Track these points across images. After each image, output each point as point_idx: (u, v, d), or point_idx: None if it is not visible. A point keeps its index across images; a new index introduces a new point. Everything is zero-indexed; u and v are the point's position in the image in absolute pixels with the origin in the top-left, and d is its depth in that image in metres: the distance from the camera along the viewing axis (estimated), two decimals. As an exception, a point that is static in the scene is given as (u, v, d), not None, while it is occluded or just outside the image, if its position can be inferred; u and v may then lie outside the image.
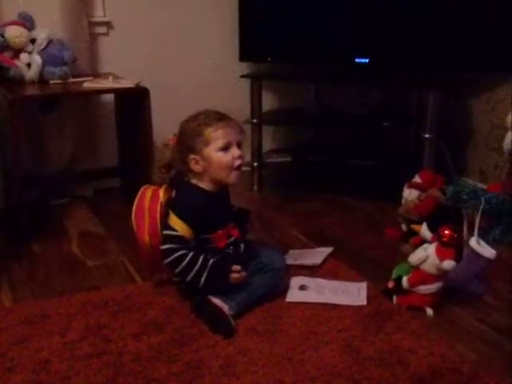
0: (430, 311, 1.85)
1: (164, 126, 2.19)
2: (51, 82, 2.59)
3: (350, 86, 3.17)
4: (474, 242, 1.76)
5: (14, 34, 2.55)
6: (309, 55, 2.87)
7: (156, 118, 2.57)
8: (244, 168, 1.93)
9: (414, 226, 2.25)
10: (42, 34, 2.61)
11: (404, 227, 2.37)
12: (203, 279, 1.79)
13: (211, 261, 1.81)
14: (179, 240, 1.80)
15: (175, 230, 1.80)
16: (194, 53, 3.06)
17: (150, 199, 1.89)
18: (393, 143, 3.01)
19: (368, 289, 1.95)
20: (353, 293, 1.94)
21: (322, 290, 1.96)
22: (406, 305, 1.86)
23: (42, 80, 2.61)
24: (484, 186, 2.12)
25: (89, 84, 2.57)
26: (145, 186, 1.95)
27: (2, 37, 2.53)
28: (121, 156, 2.99)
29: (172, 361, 1.60)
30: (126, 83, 2.59)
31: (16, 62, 2.57)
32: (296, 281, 2.01)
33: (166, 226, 1.83)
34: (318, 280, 2.03)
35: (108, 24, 2.89)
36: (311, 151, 3.22)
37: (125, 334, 1.72)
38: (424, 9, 2.63)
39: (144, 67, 2.85)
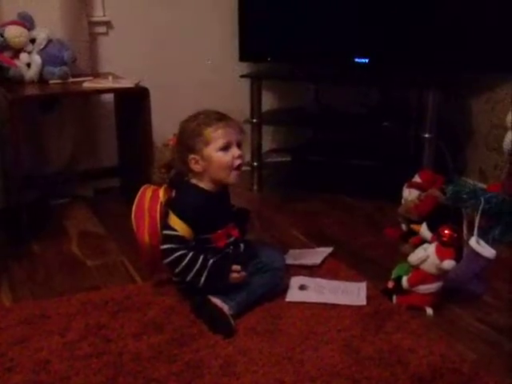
0: (429, 311, 1.85)
1: (164, 125, 2.19)
2: (51, 81, 2.59)
3: (349, 85, 3.17)
4: (473, 241, 1.77)
5: (14, 33, 2.55)
6: (308, 55, 2.87)
7: (156, 117, 2.57)
8: (244, 168, 1.93)
9: (414, 226, 2.25)
10: (41, 34, 2.61)
11: (404, 227, 2.37)
12: (203, 279, 1.79)
13: (211, 261, 1.81)
14: (179, 240, 1.80)
15: (175, 230, 1.80)
16: (193, 53, 3.06)
17: (150, 199, 1.90)
18: (392, 143, 3.02)
19: (368, 289, 1.95)
20: (352, 293, 1.94)
21: (322, 290, 1.96)
22: (406, 304, 1.86)
23: (41, 80, 2.61)
24: (484, 186, 2.12)
25: (88, 84, 2.57)
26: (145, 186, 1.95)
27: (2, 37, 2.53)
28: (120, 156, 2.99)
29: (172, 361, 1.60)
30: (126, 83, 2.59)
31: (16, 61, 2.57)
32: (296, 281, 2.01)
33: (165, 225, 1.83)
34: (318, 280, 2.03)
35: (108, 24, 2.89)
36: (311, 151, 3.22)
37: (125, 333, 1.72)
38: (424, 9, 2.63)
39: (144, 67, 2.85)
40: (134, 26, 2.92)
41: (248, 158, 2.87)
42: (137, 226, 1.89)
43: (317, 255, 2.20)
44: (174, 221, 1.81)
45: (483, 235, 1.73)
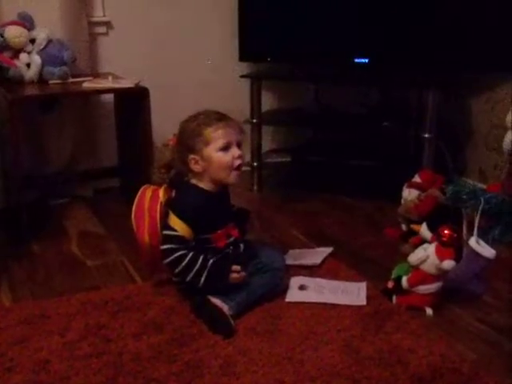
0: (429, 311, 1.85)
1: (164, 125, 2.20)
2: (51, 82, 2.59)
3: (349, 86, 3.17)
4: (473, 241, 1.77)
5: (14, 33, 2.55)
6: (308, 55, 2.87)
7: (156, 117, 2.57)
8: (244, 168, 1.93)
9: (414, 226, 2.25)
10: (41, 34, 2.61)
11: (404, 227, 2.37)
12: (203, 279, 1.79)
13: (211, 261, 1.81)
14: (179, 240, 1.80)
15: (175, 230, 1.80)
16: (193, 53, 3.06)
17: (150, 199, 1.89)
18: (392, 143, 3.02)
19: (368, 289, 1.95)
20: (352, 293, 1.94)
21: (322, 290, 1.96)
22: (406, 305, 1.86)
23: (41, 80, 2.61)
24: (483, 186, 2.12)
25: (88, 84, 2.57)
26: (144, 186, 1.95)
27: (2, 37, 2.53)
28: (120, 156, 2.99)
29: (172, 361, 1.60)
30: (126, 83, 2.59)
31: (15, 62, 2.57)
32: (296, 281, 2.01)
33: (165, 225, 1.83)
34: (318, 280, 2.03)
35: (107, 24, 2.89)
36: (311, 151, 3.22)
37: (124, 333, 1.72)
38: (424, 9, 2.63)
39: (143, 67, 2.85)
40: (133, 26, 2.92)
41: (248, 158, 2.87)
42: (137, 226, 1.89)
43: (317, 255, 2.20)
44: (174, 221, 1.81)
45: (483, 235, 1.73)
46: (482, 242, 1.76)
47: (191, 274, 1.79)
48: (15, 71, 2.55)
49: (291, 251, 2.24)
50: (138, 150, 2.65)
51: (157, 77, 2.79)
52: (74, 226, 2.57)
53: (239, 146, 1.86)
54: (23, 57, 2.59)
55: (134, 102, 2.60)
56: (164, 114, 2.59)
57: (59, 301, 1.91)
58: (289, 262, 2.11)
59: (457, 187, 1.73)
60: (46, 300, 1.93)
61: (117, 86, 2.58)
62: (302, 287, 1.98)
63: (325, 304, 1.87)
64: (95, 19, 2.85)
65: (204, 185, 1.87)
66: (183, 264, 1.78)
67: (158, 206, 1.87)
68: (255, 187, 3.02)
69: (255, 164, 2.99)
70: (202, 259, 1.80)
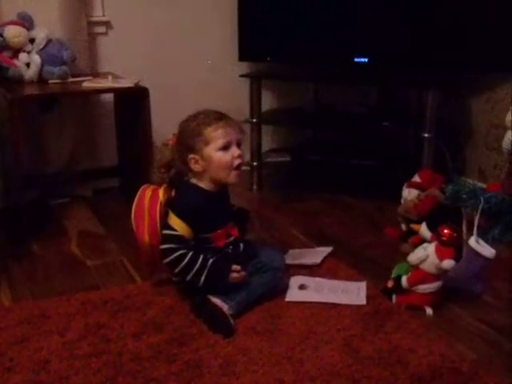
0: (429, 310, 1.85)
1: (163, 125, 2.20)
2: (50, 81, 2.59)
3: (349, 85, 3.17)
4: (473, 241, 1.77)
5: (13, 33, 2.55)
6: (308, 55, 2.87)
7: (155, 117, 2.56)
8: (243, 168, 1.93)
9: (414, 226, 2.25)
10: (41, 34, 2.61)
11: (403, 227, 2.37)
12: (203, 279, 1.79)
13: (211, 260, 1.81)
14: (179, 240, 1.80)
15: (175, 230, 1.80)
16: (193, 52, 3.06)
17: (150, 199, 1.89)
18: (392, 143, 3.02)
19: (367, 288, 1.95)
20: (352, 292, 1.94)
21: (322, 290, 1.96)
22: (406, 304, 1.86)
23: (41, 80, 2.61)
24: (483, 186, 2.12)
25: (88, 84, 2.57)
26: (144, 186, 1.95)
27: (1, 36, 2.53)
28: (120, 156, 2.99)
29: (171, 360, 1.60)
30: (126, 83, 2.58)
31: (15, 61, 2.57)
32: (295, 280, 2.01)
33: (165, 225, 1.83)
34: (318, 279, 2.03)
35: (107, 24, 2.89)
36: (311, 151, 3.22)
37: (124, 333, 1.72)
38: (423, 8, 2.63)
39: (143, 67, 2.85)
40: (133, 26, 2.92)
41: (248, 157, 2.87)
42: (136, 225, 1.89)
43: (317, 255, 2.20)
44: (174, 220, 1.81)
45: (483, 235, 1.73)
46: (481, 242, 1.76)
47: (191, 274, 1.79)
48: (15, 71, 2.55)
49: (291, 251, 2.24)
50: (137, 149, 2.65)
51: (156, 76, 2.79)
52: (73, 226, 2.57)
53: (239, 145, 1.86)
54: (23, 56, 2.59)
55: (133, 101, 2.60)
56: (164, 113, 2.59)
57: (59, 301, 1.91)
58: (289, 261, 2.11)
59: (456, 187, 1.73)
60: (46, 300, 1.92)
61: (116, 85, 2.58)
62: (301, 287, 1.98)
63: (325, 303, 1.87)
64: (95, 19, 2.85)
65: (204, 184, 1.87)
66: (183, 263, 1.78)
67: (158, 206, 1.87)
68: (255, 187, 3.02)
69: (255, 163, 2.99)
70: (202, 259, 1.80)
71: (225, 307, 1.76)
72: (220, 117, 1.84)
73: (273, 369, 1.56)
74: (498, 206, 1.66)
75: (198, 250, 1.82)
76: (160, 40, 2.98)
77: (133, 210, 1.90)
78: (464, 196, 1.76)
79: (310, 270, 2.09)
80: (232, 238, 1.91)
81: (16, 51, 2.58)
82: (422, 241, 2.07)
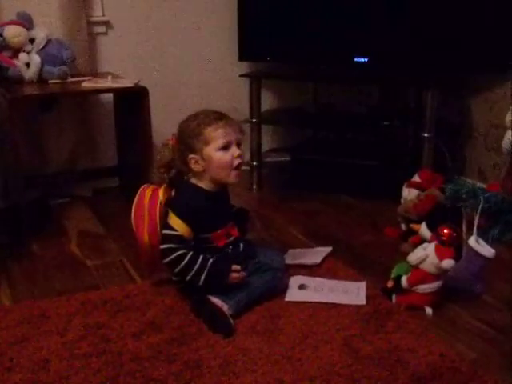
0: (429, 310, 1.85)
1: (163, 125, 2.20)
2: (50, 81, 2.60)
3: (349, 85, 3.17)
4: (473, 240, 1.76)
5: (13, 33, 2.55)
6: (308, 55, 2.86)
7: (155, 117, 2.57)
8: (243, 167, 1.93)
9: (414, 226, 2.25)
10: (40, 34, 2.61)
11: (403, 226, 2.37)
12: (202, 279, 1.79)
13: (211, 260, 1.81)
14: (178, 239, 1.80)
15: (174, 230, 1.80)
16: (193, 52, 3.06)
17: (150, 199, 1.90)
18: (392, 142, 3.01)
19: (367, 288, 1.95)
20: (352, 292, 1.94)
21: (322, 290, 1.96)
22: (406, 304, 1.86)
23: (40, 79, 2.61)
24: (483, 185, 2.12)
25: (88, 83, 2.57)
26: (144, 186, 1.95)
27: (1, 36, 2.53)
28: (120, 155, 2.99)
29: (171, 360, 1.60)
30: (125, 83, 2.59)
31: (15, 61, 2.57)
32: (295, 280, 2.01)
33: (165, 225, 1.83)
34: (318, 279, 2.03)
35: (107, 23, 2.89)
36: (310, 150, 3.22)
37: (124, 333, 1.72)
38: (423, 8, 2.63)
39: (143, 67, 2.86)
40: (133, 26, 2.92)
41: (247, 157, 2.87)
42: (136, 225, 1.89)
43: (316, 255, 2.20)
44: (174, 220, 1.81)
45: (482, 234, 1.72)
46: (481, 241, 1.76)
47: (191, 274, 1.79)
48: (14, 71, 2.55)
49: (291, 251, 2.24)
50: (137, 149, 2.65)
51: (156, 76, 2.80)
52: (73, 226, 2.57)
53: (239, 145, 1.86)
54: (22, 56, 2.59)
55: (133, 101, 2.60)
56: (164, 113, 2.60)
57: (59, 301, 1.91)
58: (288, 261, 2.11)
59: (456, 186, 1.73)
60: (46, 300, 1.93)
61: (116, 85, 2.58)
62: (301, 286, 1.98)
63: (325, 303, 1.87)
64: (94, 19, 2.85)
65: (204, 184, 1.87)
66: (183, 263, 1.78)
67: (158, 206, 1.87)
68: (255, 186, 3.02)
69: (255, 163, 2.99)
70: (202, 259, 1.80)
71: (224, 307, 1.76)
72: (220, 117, 1.84)
73: (273, 369, 1.56)
74: (498, 205, 1.66)
75: (198, 249, 1.82)
76: (160, 40, 2.98)
77: (133, 210, 1.90)
78: (464, 196, 1.75)
79: (310, 270, 2.09)
80: (232, 238, 1.91)
81: (16, 51, 2.58)
82: (422, 241, 2.07)
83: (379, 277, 2.01)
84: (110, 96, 2.87)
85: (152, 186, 1.93)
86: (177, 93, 2.99)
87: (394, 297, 1.90)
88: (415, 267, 1.86)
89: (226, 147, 1.82)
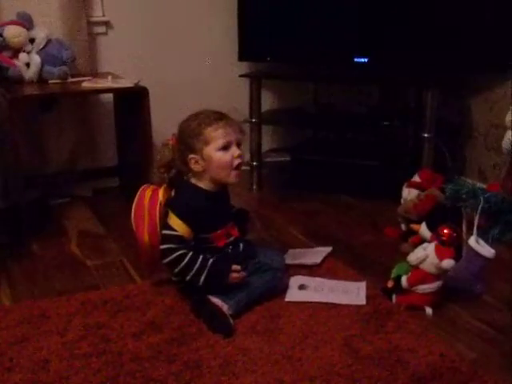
0: (429, 310, 1.85)
1: (163, 125, 2.19)
2: (50, 81, 2.60)
3: (349, 85, 3.17)
4: (473, 241, 1.76)
5: (13, 33, 2.55)
6: (308, 55, 2.87)
7: (155, 117, 2.57)
8: (243, 167, 1.93)
9: (414, 226, 2.25)
10: (40, 34, 2.61)
11: (403, 226, 2.37)
12: (202, 279, 1.79)
13: (211, 260, 1.81)
14: (178, 240, 1.80)
15: (174, 230, 1.80)
16: (193, 52, 3.06)
17: (150, 199, 1.89)
18: (392, 142, 3.01)
19: (367, 288, 1.95)
20: (352, 292, 1.94)
21: (322, 290, 1.96)
22: (406, 304, 1.86)
23: (41, 80, 2.61)
24: (483, 185, 2.12)
25: (88, 84, 2.57)
26: (144, 186, 1.95)
27: (1, 36, 2.53)
28: (120, 155, 2.99)
29: (171, 360, 1.60)
30: (125, 83, 2.59)
31: (15, 61, 2.57)
32: (295, 280, 2.01)
33: (165, 225, 1.83)
34: (318, 279, 2.03)
35: (107, 24, 2.89)
36: (310, 150, 3.22)
37: (124, 333, 1.72)
38: (423, 8, 2.63)
39: (143, 67, 2.86)
40: (133, 26, 2.92)
41: (247, 157, 2.87)
42: (136, 225, 1.89)
43: (316, 255, 2.20)
44: (174, 220, 1.81)
45: (482, 234, 1.72)
46: (481, 242, 1.76)
47: (191, 274, 1.79)
48: (15, 71, 2.55)
49: (291, 251, 2.24)
50: (137, 149, 2.65)
51: (156, 76, 2.80)
52: (73, 226, 2.57)
53: (239, 145, 1.86)
54: (22, 56, 2.59)
55: (133, 101, 2.60)
56: (164, 113, 2.59)
57: (59, 301, 1.91)
58: (288, 261, 2.11)
59: (456, 186, 1.73)
60: (46, 300, 1.93)
61: (116, 85, 2.58)
62: (301, 287, 1.98)
63: (325, 303, 1.87)
64: (94, 19, 2.85)
65: (204, 184, 1.87)
66: (183, 263, 1.78)
67: (158, 206, 1.87)
68: (255, 187, 3.02)
69: (255, 163, 2.99)
70: (202, 259, 1.80)
71: (224, 307, 1.76)
72: (220, 117, 1.84)
73: (272, 369, 1.56)
74: (498, 205, 1.66)
75: (198, 250, 1.82)
76: (160, 40, 2.98)
77: (133, 210, 1.90)
78: (464, 196, 1.75)
79: (310, 270, 2.09)
80: (232, 238, 1.91)
81: (16, 51, 2.58)
82: (422, 241, 2.07)
83: (379, 277, 2.01)
84: (110, 96, 2.87)
85: (152, 186, 1.93)
86: (177, 93, 2.98)
87: (394, 297, 1.90)
88: (415, 267, 1.86)
89: (226, 147, 1.82)
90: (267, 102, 3.18)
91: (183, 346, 1.66)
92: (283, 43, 2.88)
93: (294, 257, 2.18)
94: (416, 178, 2.40)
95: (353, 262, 2.17)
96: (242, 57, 2.97)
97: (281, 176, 3.19)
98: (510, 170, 1.98)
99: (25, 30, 2.57)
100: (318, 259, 2.16)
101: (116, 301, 1.90)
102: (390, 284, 1.92)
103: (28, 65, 2.59)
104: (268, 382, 1.51)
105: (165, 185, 1.92)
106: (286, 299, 1.90)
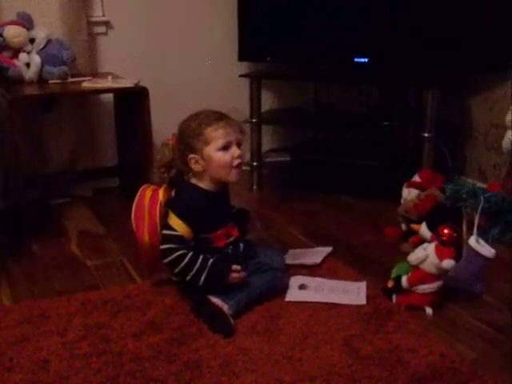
0: (429, 310, 1.85)
1: (163, 125, 2.19)
2: (50, 81, 2.60)
3: (349, 85, 3.17)
4: (473, 240, 1.76)
5: (13, 33, 2.55)
6: (308, 55, 2.86)
7: (155, 117, 2.57)
8: (243, 167, 1.93)
9: (414, 226, 2.25)
10: (40, 34, 2.61)
11: (403, 226, 2.37)
12: (203, 279, 1.79)
13: (211, 260, 1.81)
14: (178, 240, 1.80)
15: (175, 230, 1.80)
16: (193, 52, 3.06)
17: (150, 199, 1.89)
18: (392, 142, 3.01)
19: (367, 288, 1.95)
20: (352, 292, 1.94)
21: (322, 290, 1.96)
22: (406, 304, 1.86)
23: (41, 80, 2.61)
24: (483, 185, 2.12)
25: (88, 84, 2.57)
26: (144, 186, 1.95)
27: (1, 36, 2.53)
28: (120, 156, 2.99)
29: (171, 360, 1.60)
30: (125, 83, 2.59)
31: (15, 61, 2.57)
32: (295, 280, 2.01)
33: (165, 225, 1.83)
34: (318, 279, 2.03)
35: (107, 24, 2.89)
36: (310, 151, 3.22)
37: (124, 333, 1.72)
38: (423, 8, 2.63)
39: (143, 67, 2.86)
40: (133, 26, 2.92)
41: (248, 157, 2.87)
42: (136, 225, 1.89)
43: (317, 255, 2.20)
44: (174, 220, 1.81)
45: (483, 234, 1.72)
46: (481, 241, 1.75)
47: (191, 274, 1.79)
48: (15, 71, 2.55)
49: (291, 251, 2.24)
50: (137, 149, 2.65)
51: (156, 76, 2.80)
52: (73, 226, 2.57)
53: (239, 145, 1.86)
54: (23, 56, 2.59)
55: (133, 101, 2.60)
56: (164, 113, 2.59)
57: (59, 301, 1.91)
58: (289, 261, 2.11)
59: (456, 186, 1.73)
60: (46, 300, 1.93)
61: (116, 85, 2.58)
62: (301, 286, 1.98)
63: (325, 303, 1.87)
64: (94, 19, 2.85)
65: (204, 184, 1.87)
66: (183, 264, 1.78)
67: (158, 206, 1.87)
68: (255, 187, 3.02)
69: (255, 163, 2.99)
70: (202, 259, 1.80)
71: (225, 307, 1.76)
72: (220, 117, 1.84)
73: (273, 369, 1.56)
74: (498, 205, 1.66)
75: (198, 250, 1.82)
76: (160, 40, 2.98)
77: (133, 210, 1.90)
78: (464, 196, 1.75)
79: (310, 270, 2.09)
80: (232, 238, 1.91)
81: (16, 51, 2.58)
82: (422, 241, 2.07)
83: (379, 277, 2.01)
84: (110, 96, 2.87)
85: (152, 186, 1.93)
86: (177, 93, 2.98)
87: (394, 297, 1.90)
88: (415, 267, 1.86)
89: (226, 147, 1.82)
90: (267, 102, 3.18)
91: (183, 345, 1.66)
92: (283, 43, 2.88)
93: (294, 257, 2.18)
94: (416, 178, 2.40)
95: (353, 261, 2.17)
96: (242, 57, 2.97)
97: (281, 176, 3.19)
98: (510, 170, 1.98)
99: (25, 30, 2.57)
100: (318, 259, 2.16)
101: (116, 301, 1.90)
102: (390, 284, 1.92)
103: (28, 65, 2.59)
104: (268, 382, 1.51)
105: (165, 185, 1.92)
106: (286, 299, 1.90)
